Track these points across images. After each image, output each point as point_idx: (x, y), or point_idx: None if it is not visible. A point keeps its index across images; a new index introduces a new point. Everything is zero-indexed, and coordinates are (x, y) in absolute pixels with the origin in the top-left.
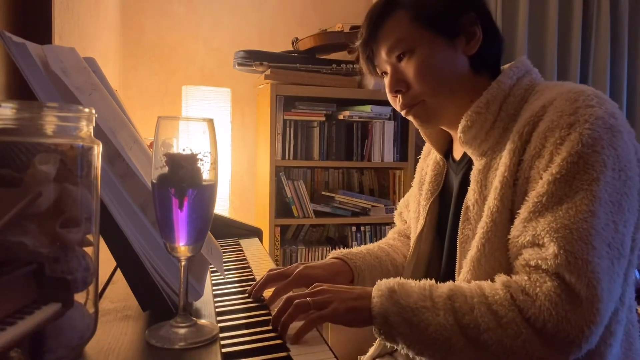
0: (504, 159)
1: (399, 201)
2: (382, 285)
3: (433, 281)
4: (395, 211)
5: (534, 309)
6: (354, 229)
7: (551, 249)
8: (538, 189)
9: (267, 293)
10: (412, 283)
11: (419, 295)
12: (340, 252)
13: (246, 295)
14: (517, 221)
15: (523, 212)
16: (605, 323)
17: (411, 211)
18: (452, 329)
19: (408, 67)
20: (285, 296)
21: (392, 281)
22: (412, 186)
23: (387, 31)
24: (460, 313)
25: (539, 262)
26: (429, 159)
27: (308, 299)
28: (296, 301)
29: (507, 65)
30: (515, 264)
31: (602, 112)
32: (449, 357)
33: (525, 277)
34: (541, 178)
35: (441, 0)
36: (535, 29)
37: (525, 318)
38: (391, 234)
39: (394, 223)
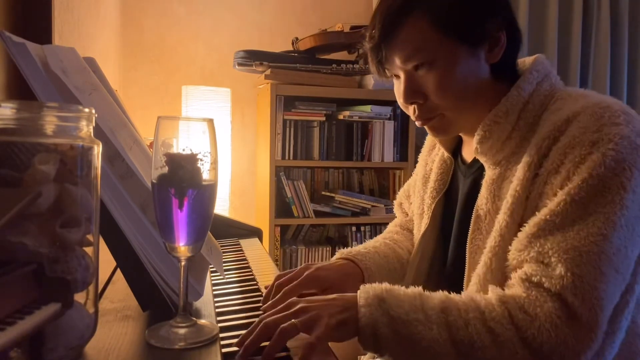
0: (518, 173)
1: (397, 196)
2: (369, 292)
3: (421, 289)
4: (394, 202)
5: (532, 329)
6: (354, 229)
7: (558, 269)
8: (552, 206)
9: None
10: (400, 291)
11: (410, 305)
12: (348, 252)
13: (246, 295)
14: (522, 235)
15: (531, 227)
16: (598, 346)
17: (414, 206)
18: (445, 345)
19: (426, 79)
20: (259, 318)
21: (379, 288)
22: (412, 176)
23: (404, 37)
24: (454, 328)
25: (543, 279)
26: (434, 153)
27: (294, 320)
28: (282, 326)
29: (525, 63)
30: (513, 275)
31: (628, 131)
32: None
33: (524, 294)
34: (555, 195)
35: (465, 5)
36: (535, 29)
37: (522, 337)
38: (392, 227)
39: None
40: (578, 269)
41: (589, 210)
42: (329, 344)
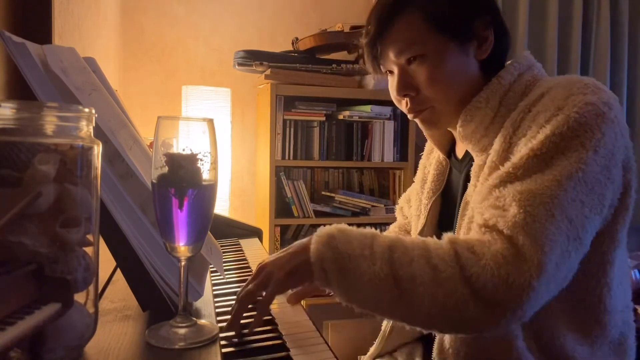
0: (495, 145)
1: (399, 201)
2: (322, 231)
3: (377, 231)
4: (396, 206)
5: (476, 267)
6: None
7: (512, 209)
8: (514, 160)
9: None
10: (355, 230)
11: (359, 242)
12: None
13: None
14: (484, 188)
15: (493, 178)
16: (545, 299)
17: (412, 208)
18: (386, 280)
19: (418, 72)
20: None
21: (333, 227)
22: (414, 182)
23: (398, 32)
24: (397, 263)
25: (498, 220)
26: (431, 157)
27: (249, 286)
28: (240, 295)
29: (509, 61)
30: (472, 226)
31: (595, 99)
32: (379, 308)
33: (476, 237)
34: (519, 152)
35: (456, 4)
36: (536, 28)
37: (466, 276)
38: (392, 228)
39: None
40: (531, 207)
41: (549, 166)
42: (330, 343)
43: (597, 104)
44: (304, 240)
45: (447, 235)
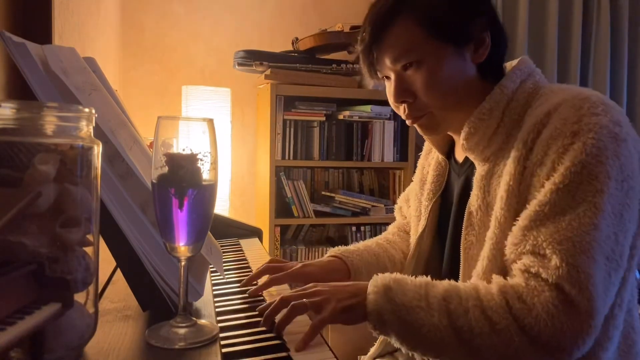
0: (508, 168)
1: (398, 201)
2: (378, 281)
3: (429, 278)
4: (395, 206)
5: (529, 318)
6: (354, 229)
7: (553, 260)
8: (540, 197)
9: (266, 294)
10: (408, 280)
11: (414, 294)
12: (338, 249)
13: (246, 295)
14: (516, 229)
15: (523, 219)
16: (598, 332)
17: (412, 208)
18: (446, 331)
19: (415, 78)
20: (280, 295)
21: (388, 277)
22: (412, 181)
23: (393, 38)
24: (454, 315)
25: (540, 270)
26: (430, 157)
27: (305, 300)
28: (293, 302)
29: (509, 64)
30: (513, 267)
31: (606, 121)
32: (442, 355)
33: (523, 283)
34: (542, 186)
35: (451, 7)
36: (535, 29)
37: (520, 326)
38: (391, 229)
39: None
40: (572, 259)
41: (577, 199)
42: (329, 344)
43: (609, 126)
44: (361, 283)
45: (496, 281)
